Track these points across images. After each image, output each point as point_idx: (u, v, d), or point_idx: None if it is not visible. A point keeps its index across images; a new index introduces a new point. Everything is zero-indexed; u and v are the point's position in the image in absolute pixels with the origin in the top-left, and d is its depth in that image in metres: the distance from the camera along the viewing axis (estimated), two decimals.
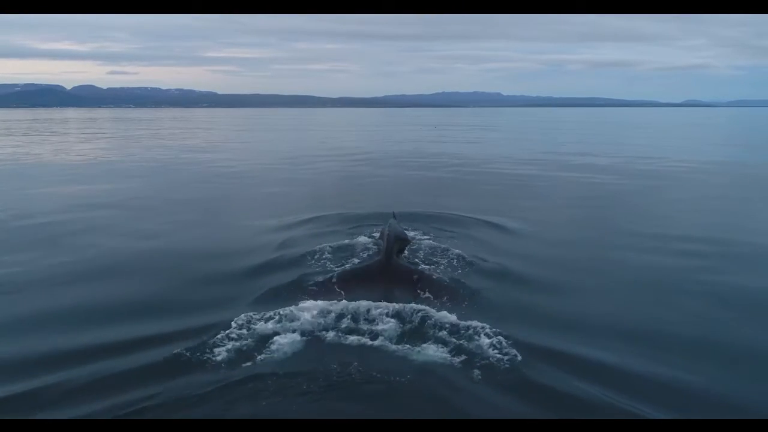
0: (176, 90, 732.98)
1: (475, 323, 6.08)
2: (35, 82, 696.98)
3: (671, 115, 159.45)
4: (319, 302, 6.63)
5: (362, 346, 5.81)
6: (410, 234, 10.28)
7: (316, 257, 9.00)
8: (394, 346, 5.77)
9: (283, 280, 7.92)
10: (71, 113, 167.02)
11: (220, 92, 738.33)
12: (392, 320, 6.23)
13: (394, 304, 6.54)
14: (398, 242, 8.90)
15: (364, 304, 6.55)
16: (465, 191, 17.83)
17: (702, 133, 59.04)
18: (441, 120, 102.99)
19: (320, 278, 7.82)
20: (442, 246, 9.54)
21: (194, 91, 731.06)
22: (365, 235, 10.18)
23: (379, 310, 6.42)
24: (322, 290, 7.25)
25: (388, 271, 7.62)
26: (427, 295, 7.07)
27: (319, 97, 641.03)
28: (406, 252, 8.99)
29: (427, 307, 6.44)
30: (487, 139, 48.32)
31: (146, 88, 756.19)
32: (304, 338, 5.97)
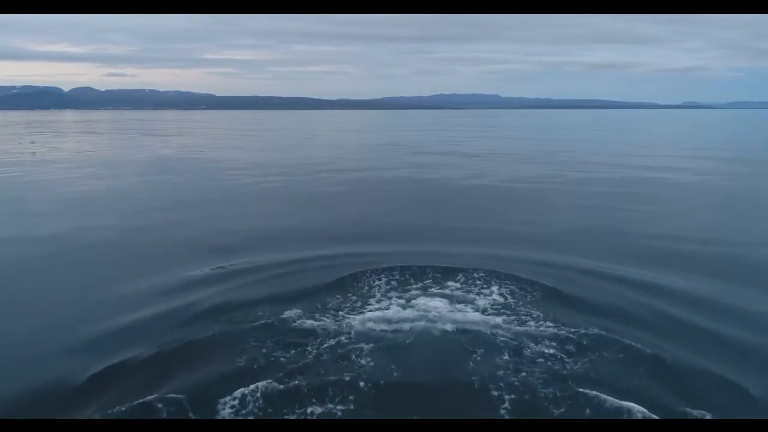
0: (174, 92, 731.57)
1: None
2: (33, 84, 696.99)
3: (686, 116, 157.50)
4: None
5: None
6: None
7: None
8: None
9: None
10: (82, 115, 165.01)
11: (218, 94, 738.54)
12: None
13: None
14: None
15: None
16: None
17: None
18: (443, 122, 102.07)
19: None
20: None
21: (192, 93, 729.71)
22: None
23: None
24: None
25: None
26: None
27: (318, 99, 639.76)
28: None
29: None
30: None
31: (144, 90, 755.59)
32: None
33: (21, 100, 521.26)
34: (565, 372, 6.16)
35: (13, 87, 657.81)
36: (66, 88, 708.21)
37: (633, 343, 6.86)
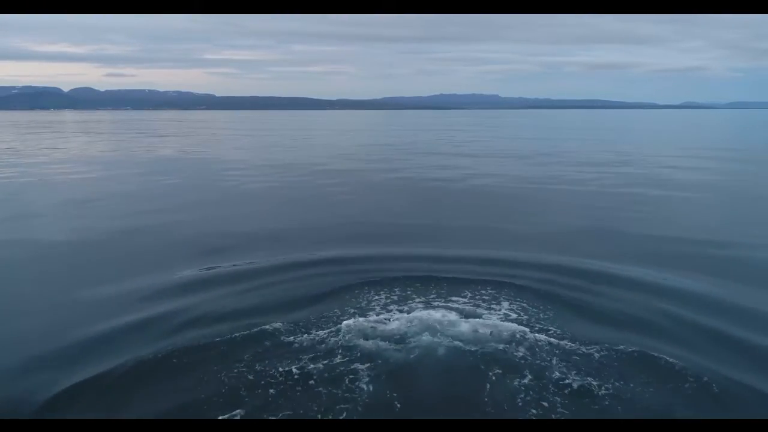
0: (174, 92, 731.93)
1: None
2: (33, 84, 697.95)
3: (686, 116, 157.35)
4: None
5: None
6: None
7: None
8: None
9: None
10: (82, 116, 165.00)
11: (217, 94, 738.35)
12: None
13: None
14: None
15: None
16: None
17: None
18: (443, 122, 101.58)
19: None
20: None
21: (192, 93, 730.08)
22: None
23: None
24: None
25: None
26: None
27: (318, 99, 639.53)
28: None
29: None
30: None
31: (144, 90, 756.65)
32: None
33: (21, 100, 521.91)
34: (595, 404, 5.38)
35: (13, 87, 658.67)
36: (66, 89, 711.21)
37: (668, 359, 6.15)
